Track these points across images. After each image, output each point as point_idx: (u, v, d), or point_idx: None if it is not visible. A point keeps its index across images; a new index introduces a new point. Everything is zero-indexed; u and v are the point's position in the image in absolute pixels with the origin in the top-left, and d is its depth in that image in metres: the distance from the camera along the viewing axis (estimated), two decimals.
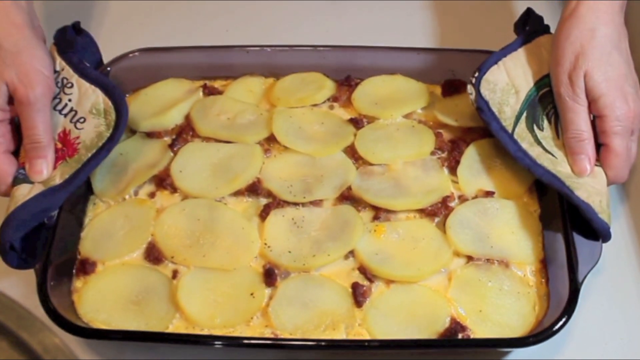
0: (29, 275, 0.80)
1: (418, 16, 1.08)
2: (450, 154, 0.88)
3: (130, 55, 0.93)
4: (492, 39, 0.92)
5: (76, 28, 0.89)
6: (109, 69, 0.91)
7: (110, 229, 0.83)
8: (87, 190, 0.86)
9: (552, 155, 0.81)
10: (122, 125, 0.82)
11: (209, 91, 0.95)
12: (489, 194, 0.84)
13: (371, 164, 0.87)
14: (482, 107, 0.84)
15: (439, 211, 0.83)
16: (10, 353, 0.49)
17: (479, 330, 0.74)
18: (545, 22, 0.89)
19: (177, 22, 1.09)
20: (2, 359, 0.49)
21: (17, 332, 0.49)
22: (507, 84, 0.85)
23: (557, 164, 0.80)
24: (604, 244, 0.77)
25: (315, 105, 0.93)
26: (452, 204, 0.83)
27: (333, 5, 1.10)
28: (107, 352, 0.77)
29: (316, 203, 0.84)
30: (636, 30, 0.91)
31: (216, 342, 0.72)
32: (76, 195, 0.83)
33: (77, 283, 0.79)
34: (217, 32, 1.03)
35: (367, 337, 0.74)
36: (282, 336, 0.74)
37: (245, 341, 0.73)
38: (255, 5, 1.09)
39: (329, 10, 1.10)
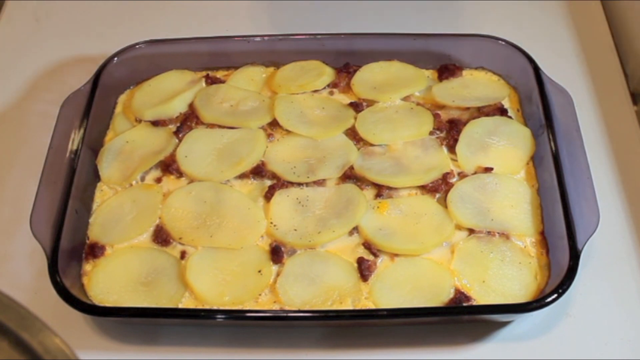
0: (30, 275, 0.83)
1: (414, 3, 1.10)
2: (449, 133, 0.90)
3: (137, 46, 0.95)
4: (487, 23, 0.95)
5: None
6: (115, 59, 0.93)
7: (118, 214, 0.84)
8: (94, 178, 0.87)
9: None
10: None
11: (212, 81, 0.97)
12: (487, 170, 0.86)
13: (372, 145, 0.89)
14: None
15: (439, 187, 0.85)
16: (10, 353, 0.49)
17: (482, 299, 0.76)
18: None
19: (179, 19, 1.11)
20: (3, 359, 0.49)
21: (18, 332, 0.50)
22: None
23: None
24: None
25: (315, 91, 0.95)
26: (452, 181, 0.85)
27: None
28: (108, 352, 0.78)
29: (320, 183, 0.86)
30: (636, 30, 0.93)
31: (226, 317, 0.73)
32: (84, 182, 0.85)
33: (87, 266, 0.80)
34: (217, 30, 1.05)
35: None
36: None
37: (256, 314, 0.74)
38: (256, 5, 1.12)
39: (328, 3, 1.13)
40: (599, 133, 0.94)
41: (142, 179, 0.88)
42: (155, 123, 0.93)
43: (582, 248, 0.75)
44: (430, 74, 0.97)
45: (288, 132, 0.91)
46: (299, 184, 0.85)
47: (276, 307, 0.76)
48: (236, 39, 0.97)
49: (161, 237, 0.82)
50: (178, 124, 0.92)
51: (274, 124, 0.92)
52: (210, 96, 0.94)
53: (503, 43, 0.93)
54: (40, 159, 0.85)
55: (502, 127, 0.89)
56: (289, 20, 1.08)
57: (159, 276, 0.79)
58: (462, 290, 0.77)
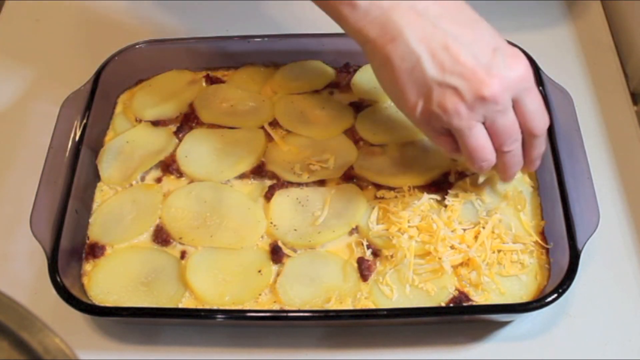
0: (30, 275, 0.83)
1: None
2: None
3: (137, 46, 0.95)
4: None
5: None
6: (115, 59, 0.93)
7: (118, 214, 0.84)
8: (94, 178, 0.87)
9: None
10: None
11: (212, 81, 0.97)
12: None
13: (372, 145, 0.89)
14: None
15: (439, 187, 0.84)
16: (10, 353, 0.49)
17: (483, 300, 0.76)
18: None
19: (179, 19, 1.11)
20: (2, 359, 0.49)
21: (18, 332, 0.50)
22: None
23: None
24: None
25: (315, 91, 0.95)
26: (452, 180, 0.85)
27: None
28: (108, 352, 0.78)
29: (319, 183, 0.86)
30: (636, 30, 0.93)
31: (226, 317, 0.73)
32: (84, 182, 0.85)
33: (87, 266, 0.80)
34: (217, 30, 1.05)
35: None
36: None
37: (256, 314, 0.74)
38: (256, 5, 1.12)
39: None
40: (599, 133, 0.94)
41: (142, 179, 0.88)
42: (155, 123, 0.93)
43: (582, 248, 0.75)
44: None
45: (288, 132, 0.91)
46: (299, 184, 0.85)
47: (276, 307, 0.77)
48: (236, 39, 0.97)
49: (161, 237, 0.82)
50: (178, 124, 0.92)
51: (274, 123, 0.92)
52: (210, 96, 0.94)
53: None
54: (40, 159, 0.84)
55: None
56: (289, 20, 1.08)
57: (159, 276, 0.79)
58: (463, 290, 0.76)
